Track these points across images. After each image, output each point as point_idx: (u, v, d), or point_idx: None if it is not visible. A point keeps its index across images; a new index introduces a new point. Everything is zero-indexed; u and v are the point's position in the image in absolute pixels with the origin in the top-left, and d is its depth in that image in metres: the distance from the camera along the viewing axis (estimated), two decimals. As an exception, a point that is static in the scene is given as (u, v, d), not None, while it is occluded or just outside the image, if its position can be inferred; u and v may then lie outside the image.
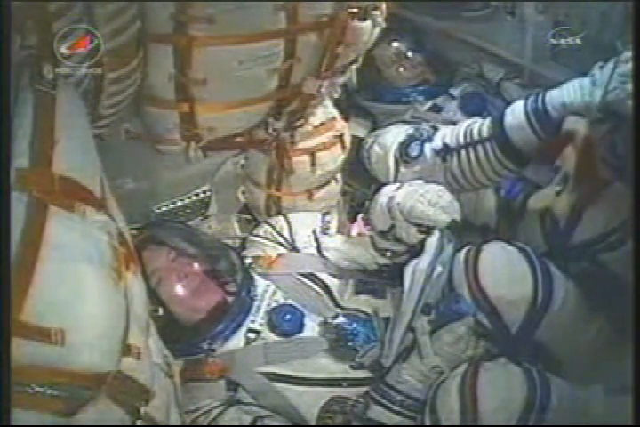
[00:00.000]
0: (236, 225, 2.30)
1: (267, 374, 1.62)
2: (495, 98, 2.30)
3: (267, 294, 1.74)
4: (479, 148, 1.83)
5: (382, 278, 1.84)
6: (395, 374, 1.60)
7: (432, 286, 1.61)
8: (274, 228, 1.99)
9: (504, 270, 1.62)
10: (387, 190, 1.78)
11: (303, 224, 1.98)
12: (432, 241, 1.65)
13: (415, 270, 1.63)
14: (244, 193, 2.24)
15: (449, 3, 2.32)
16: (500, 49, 2.26)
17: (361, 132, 2.36)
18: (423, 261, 1.63)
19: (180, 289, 1.68)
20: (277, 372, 1.63)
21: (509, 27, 2.17)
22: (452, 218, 1.67)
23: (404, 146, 2.07)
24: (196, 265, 1.74)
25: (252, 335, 1.67)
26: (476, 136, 1.84)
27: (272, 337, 1.67)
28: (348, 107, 2.39)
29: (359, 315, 1.73)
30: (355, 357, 1.65)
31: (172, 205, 2.08)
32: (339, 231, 1.99)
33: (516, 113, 1.74)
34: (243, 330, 1.67)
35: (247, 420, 1.57)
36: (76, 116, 1.24)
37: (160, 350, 1.32)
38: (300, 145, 2.03)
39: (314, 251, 1.89)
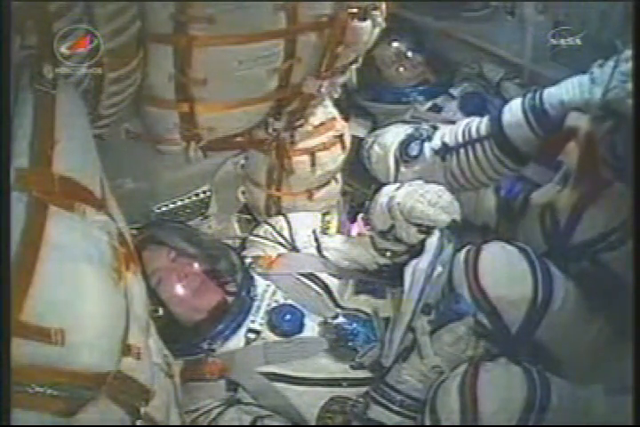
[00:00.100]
0: (236, 225, 2.30)
1: (267, 374, 1.62)
2: (495, 98, 2.30)
3: (267, 294, 1.74)
4: (477, 146, 1.83)
5: (382, 278, 1.84)
6: (395, 374, 1.60)
7: (432, 286, 1.61)
8: (274, 228, 1.99)
9: (504, 270, 1.62)
10: (387, 190, 1.78)
11: (303, 224, 1.98)
12: (432, 241, 1.64)
13: (415, 270, 1.63)
14: (243, 193, 2.24)
15: (449, 3, 2.32)
16: (500, 49, 2.27)
17: (361, 132, 2.36)
18: (423, 261, 1.63)
19: (180, 289, 1.68)
20: (277, 372, 1.63)
21: (509, 27, 2.17)
22: (452, 218, 1.67)
23: (404, 146, 2.07)
24: (196, 265, 1.74)
25: (251, 335, 1.67)
26: (474, 135, 1.84)
27: (272, 337, 1.67)
28: (348, 107, 2.39)
29: (359, 315, 1.73)
30: (355, 357, 1.65)
31: (171, 205, 2.08)
32: (339, 231, 1.99)
33: (513, 111, 1.74)
34: (243, 330, 1.67)
35: (247, 420, 1.57)
36: (76, 116, 1.24)
37: (160, 350, 1.32)
38: (300, 145, 2.03)
39: (314, 251, 1.89)
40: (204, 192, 2.13)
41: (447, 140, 1.92)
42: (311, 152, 2.05)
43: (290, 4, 1.45)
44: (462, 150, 1.87)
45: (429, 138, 2.01)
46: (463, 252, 1.67)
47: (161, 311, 1.60)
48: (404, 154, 2.06)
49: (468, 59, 2.38)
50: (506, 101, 1.94)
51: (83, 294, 0.95)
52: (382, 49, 2.29)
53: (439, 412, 1.48)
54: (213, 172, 2.11)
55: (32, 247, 0.93)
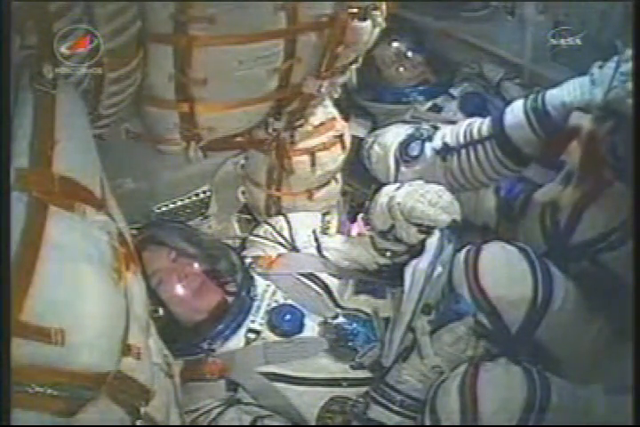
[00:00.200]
0: (236, 225, 2.30)
1: (267, 374, 1.62)
2: (495, 98, 2.30)
3: (267, 294, 1.74)
4: (479, 147, 1.83)
5: (382, 278, 1.84)
6: (395, 374, 1.60)
7: (432, 286, 1.61)
8: (274, 228, 1.99)
9: (504, 270, 1.62)
10: (387, 190, 1.78)
11: (303, 224, 1.98)
12: (432, 241, 1.64)
13: (415, 270, 1.63)
14: (244, 193, 2.24)
15: (449, 3, 2.32)
16: (500, 49, 2.26)
17: (361, 132, 2.36)
18: (423, 261, 1.63)
19: (180, 290, 1.67)
20: (277, 372, 1.62)
21: (509, 27, 2.17)
22: (452, 218, 1.67)
23: (405, 146, 2.08)
24: (196, 265, 1.74)
25: (251, 335, 1.67)
26: (475, 135, 1.84)
27: (272, 337, 1.67)
28: (348, 107, 2.39)
29: (359, 315, 1.73)
30: (355, 357, 1.65)
31: (171, 205, 2.08)
32: (339, 231, 2.00)
33: (515, 112, 1.74)
34: (243, 330, 1.67)
35: (247, 420, 1.57)
36: (76, 116, 1.24)
37: (160, 350, 1.32)
38: (300, 145, 2.03)
39: (314, 251, 1.89)
40: (204, 192, 2.13)
41: (448, 140, 1.92)
42: (311, 152, 2.05)
43: (290, 4, 1.45)
44: (463, 151, 1.87)
45: (430, 138, 2.01)
46: (463, 252, 1.67)
47: (161, 312, 1.59)
48: (405, 154, 2.07)
49: (467, 59, 2.38)
50: (506, 101, 1.95)
51: (83, 294, 0.95)
52: (382, 49, 2.29)
53: (439, 412, 1.48)
54: (213, 172, 2.11)
55: (32, 247, 0.93)
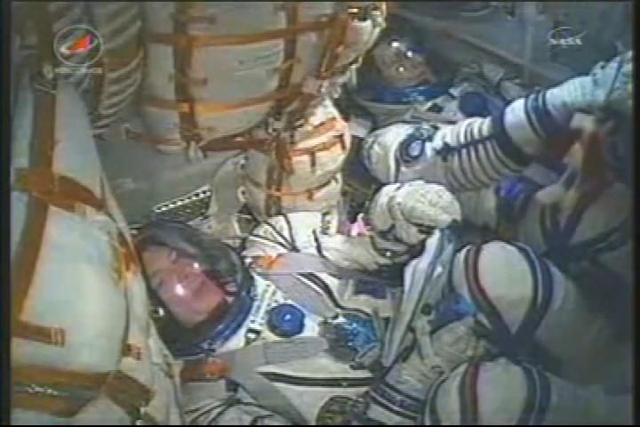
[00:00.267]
0: (236, 225, 2.30)
1: (267, 374, 1.62)
2: (495, 98, 2.30)
3: (267, 294, 1.74)
4: (480, 147, 1.83)
5: (382, 278, 1.84)
6: (395, 374, 1.60)
7: (432, 286, 1.61)
8: (274, 228, 1.99)
9: (504, 270, 1.62)
10: (387, 190, 1.78)
11: (303, 224, 1.98)
12: (432, 241, 1.64)
13: (415, 270, 1.63)
14: (244, 193, 2.24)
15: (449, 3, 2.32)
16: (500, 49, 2.26)
17: (361, 132, 2.35)
18: (423, 262, 1.63)
19: (180, 290, 1.67)
20: (277, 372, 1.62)
21: (509, 27, 2.17)
22: (452, 218, 1.66)
23: (405, 146, 2.08)
24: (196, 265, 1.74)
25: (252, 335, 1.67)
26: (476, 135, 1.84)
27: (272, 337, 1.67)
28: (348, 107, 2.39)
29: (359, 315, 1.73)
30: (355, 357, 1.65)
31: (171, 205, 2.08)
32: (339, 231, 1.99)
33: (516, 112, 1.74)
34: (243, 330, 1.67)
35: (247, 420, 1.57)
36: (76, 116, 1.24)
37: (160, 350, 1.32)
38: (300, 145, 2.03)
39: (314, 251, 1.89)
40: (204, 192, 2.13)
41: (449, 140, 1.92)
42: (311, 152, 2.05)
43: (290, 4, 1.45)
44: (464, 151, 1.87)
45: (430, 138, 2.01)
46: (463, 252, 1.67)
47: (161, 312, 1.60)
48: (405, 154, 2.07)
49: (467, 59, 2.38)
50: (506, 101, 1.94)
51: (83, 294, 0.95)
52: (382, 49, 2.29)
53: (439, 412, 1.48)
54: (213, 172, 2.11)
55: (32, 247, 0.93)
